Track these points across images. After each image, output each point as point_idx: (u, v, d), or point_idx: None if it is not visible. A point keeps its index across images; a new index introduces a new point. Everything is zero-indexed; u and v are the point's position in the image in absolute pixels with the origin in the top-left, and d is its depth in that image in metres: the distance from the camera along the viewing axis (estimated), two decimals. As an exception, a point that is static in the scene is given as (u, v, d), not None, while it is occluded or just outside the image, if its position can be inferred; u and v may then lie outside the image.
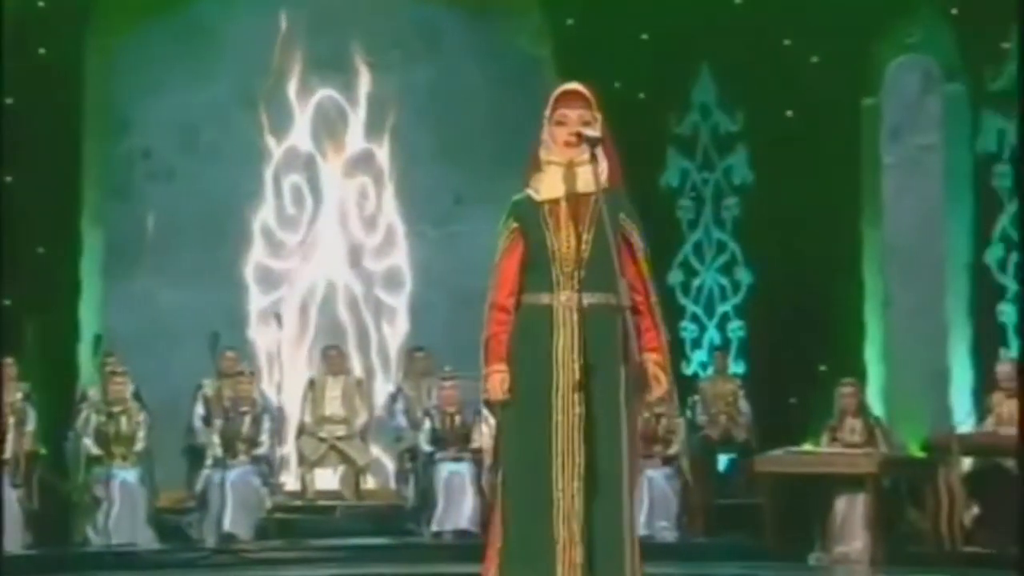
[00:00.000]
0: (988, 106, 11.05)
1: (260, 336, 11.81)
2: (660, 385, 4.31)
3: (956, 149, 11.25)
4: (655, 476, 9.52)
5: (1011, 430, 9.03)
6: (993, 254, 10.94)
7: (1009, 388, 9.19)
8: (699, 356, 11.95)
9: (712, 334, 12.04)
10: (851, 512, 9.04)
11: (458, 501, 9.67)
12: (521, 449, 4.22)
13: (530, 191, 4.44)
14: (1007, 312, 10.84)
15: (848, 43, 11.60)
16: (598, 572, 4.15)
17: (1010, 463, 9.01)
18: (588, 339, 4.23)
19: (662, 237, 12.12)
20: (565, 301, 4.28)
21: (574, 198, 4.34)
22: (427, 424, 10.03)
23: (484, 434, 4.52)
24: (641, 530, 9.43)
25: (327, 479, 10.93)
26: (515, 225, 4.41)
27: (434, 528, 9.72)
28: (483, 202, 11.94)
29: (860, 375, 11.06)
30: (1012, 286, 10.84)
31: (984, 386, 10.65)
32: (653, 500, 9.50)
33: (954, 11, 11.32)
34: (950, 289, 11.18)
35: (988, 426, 9.27)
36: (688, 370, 11.79)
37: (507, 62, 12.01)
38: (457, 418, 9.96)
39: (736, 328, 12.01)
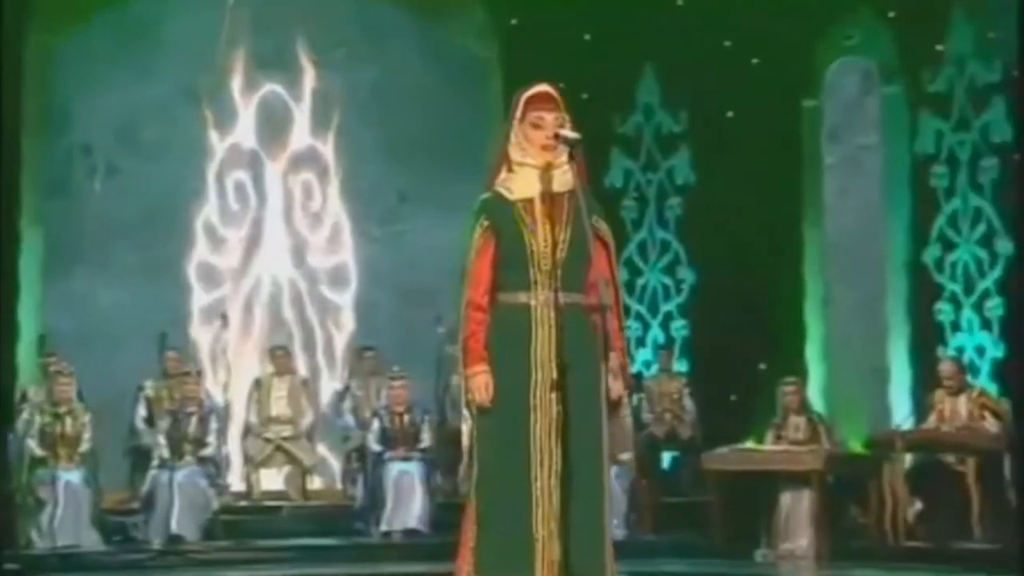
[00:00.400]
0: (925, 107, 11.25)
1: (203, 335, 11.75)
2: (617, 384, 4.35)
3: (894, 150, 11.44)
4: (604, 474, 9.57)
5: (954, 426, 9.20)
6: (931, 254, 11.14)
7: (951, 386, 9.36)
8: (643, 355, 12.06)
9: (656, 333, 12.16)
10: (796, 509, 9.17)
11: (407, 501, 9.69)
12: (499, 448, 4.24)
13: (500, 190, 4.43)
14: (944, 311, 11.04)
15: (788, 45, 11.74)
16: (576, 570, 4.19)
17: (950, 459, 9.20)
18: (565, 338, 4.27)
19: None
20: (543, 300, 4.30)
21: (549, 198, 4.36)
22: (376, 424, 10.03)
23: (464, 433, 4.50)
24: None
25: (273, 479, 10.90)
26: (487, 223, 4.38)
27: (383, 528, 9.73)
28: (428, 201, 12.01)
29: (801, 373, 11.20)
30: (949, 285, 11.04)
31: (922, 384, 10.86)
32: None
33: (891, 14, 11.51)
34: (889, 288, 11.37)
35: (930, 423, 9.43)
36: (631, 369, 11.87)
37: (453, 62, 12.06)
38: (406, 417, 9.97)
39: (679, 327, 12.13)
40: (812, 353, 11.60)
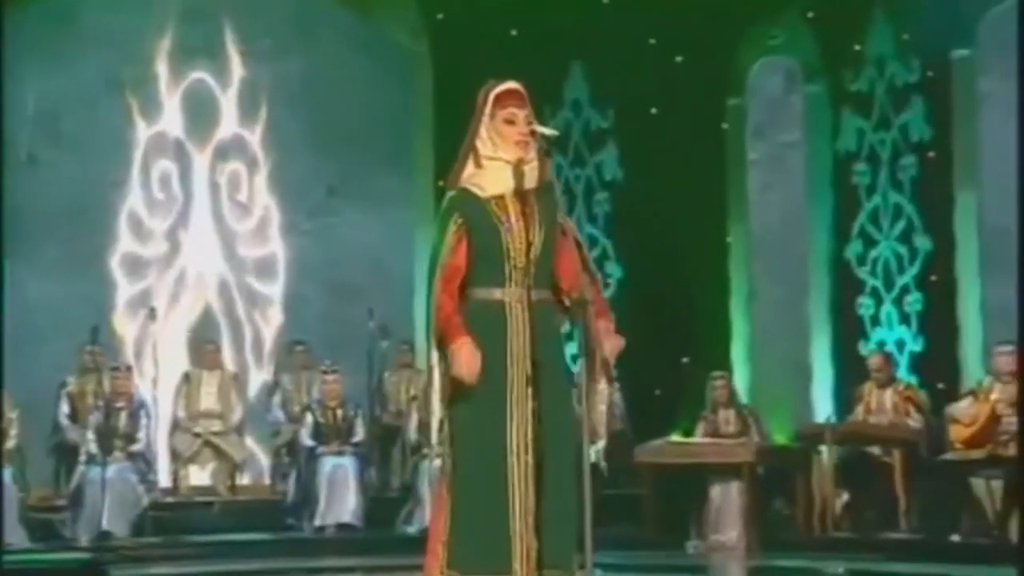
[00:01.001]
0: (847, 106, 11.49)
1: (129, 328, 11.63)
2: (612, 340, 4.45)
3: (817, 148, 11.67)
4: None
5: (880, 419, 9.43)
6: (852, 250, 11.40)
7: (879, 378, 9.58)
8: (570, 349, 12.13)
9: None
10: (726, 500, 9.34)
11: (341, 495, 9.69)
12: (475, 443, 4.26)
13: (470, 187, 4.41)
14: (865, 306, 11.30)
15: (713, 45, 11.93)
16: (551, 562, 4.23)
17: (877, 450, 9.43)
18: (538, 334, 4.32)
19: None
20: (517, 297, 4.34)
21: (521, 195, 4.39)
22: (309, 418, 10.02)
23: (434, 428, 4.48)
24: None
25: (201, 475, 10.83)
26: (461, 220, 4.36)
27: (316, 523, 9.73)
28: (358, 195, 12.03)
29: (726, 368, 11.39)
30: (870, 281, 11.30)
31: (845, 378, 11.11)
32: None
33: (810, 14, 11.74)
34: (812, 283, 11.60)
35: (858, 415, 9.66)
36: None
37: (383, 55, 12.05)
38: (339, 412, 9.98)
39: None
40: (737, 348, 11.80)
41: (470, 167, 4.42)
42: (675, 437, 11.03)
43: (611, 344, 4.35)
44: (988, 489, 8.76)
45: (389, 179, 11.96)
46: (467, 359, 4.22)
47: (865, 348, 11.17)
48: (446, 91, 12.13)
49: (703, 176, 11.84)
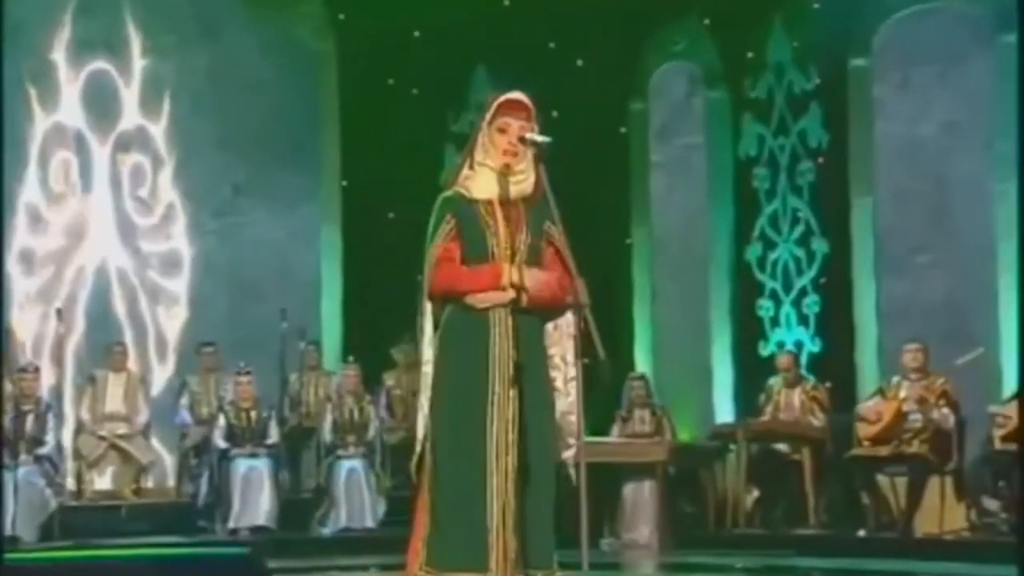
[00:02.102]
0: (748, 112, 11.80)
1: (24, 325, 11.37)
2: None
3: (719, 152, 11.96)
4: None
5: (788, 417, 9.71)
6: (753, 252, 11.71)
7: (787, 378, 9.86)
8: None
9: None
10: (639, 499, 9.53)
11: (255, 497, 9.66)
12: (456, 444, 4.31)
13: (461, 189, 4.47)
14: (765, 307, 11.62)
15: (614, 49, 12.14)
16: (530, 562, 4.32)
17: (786, 448, 9.72)
18: (520, 338, 4.37)
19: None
20: (497, 297, 4.40)
21: (506, 202, 4.46)
22: (222, 420, 9.96)
23: (420, 424, 4.55)
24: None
25: (105, 478, 10.69)
26: (454, 222, 4.43)
27: (230, 525, 9.67)
28: (263, 194, 11.96)
29: (630, 368, 11.65)
30: (770, 283, 11.62)
31: (744, 377, 11.42)
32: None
33: (706, 21, 12.02)
34: (713, 285, 11.88)
35: (766, 414, 9.93)
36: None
37: (288, 54, 11.99)
38: (253, 413, 9.94)
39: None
40: (640, 348, 12.03)
41: (465, 170, 4.51)
42: (584, 437, 11.22)
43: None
44: (892, 485, 9.09)
45: (295, 178, 11.92)
46: (505, 272, 4.34)
47: (765, 349, 11.50)
48: (351, 90, 12.17)
49: (606, 178, 12.05)
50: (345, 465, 9.85)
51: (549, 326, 4.52)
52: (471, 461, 4.31)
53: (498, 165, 4.45)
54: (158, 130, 11.94)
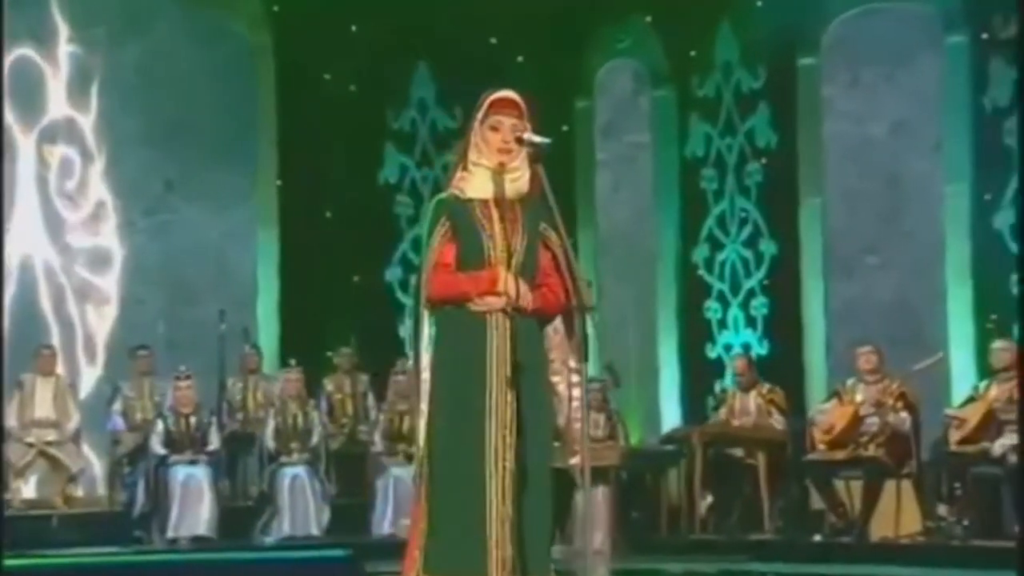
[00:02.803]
0: (695, 112, 11.82)
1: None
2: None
3: (665, 152, 11.96)
4: (401, 474, 9.66)
5: (744, 421, 9.73)
6: (700, 254, 11.73)
7: (742, 381, 9.87)
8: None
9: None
10: (592, 504, 9.48)
11: (195, 506, 9.49)
12: (453, 449, 4.29)
13: (455, 191, 4.46)
14: (713, 309, 11.64)
15: (557, 46, 12.10)
16: (528, 568, 4.30)
17: (741, 452, 9.73)
18: (518, 341, 4.35)
19: (382, 234, 12.31)
20: (496, 302, 4.38)
21: (502, 202, 4.43)
22: (160, 426, 9.77)
23: (421, 430, 4.51)
24: (386, 528, 9.67)
25: (31, 486, 10.42)
26: (448, 224, 4.40)
27: (169, 535, 9.49)
28: (196, 191, 11.75)
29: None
30: (717, 284, 11.65)
31: (692, 380, 11.43)
32: (399, 500, 9.65)
33: (648, 19, 12.02)
34: (660, 286, 11.88)
35: (721, 417, 9.94)
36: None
37: (223, 47, 11.81)
38: (192, 419, 9.77)
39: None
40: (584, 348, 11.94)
41: (460, 172, 4.50)
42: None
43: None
44: (847, 489, 9.13)
45: (230, 175, 11.74)
46: (510, 284, 4.32)
47: (712, 351, 11.53)
48: (289, 85, 12.01)
49: (550, 176, 11.95)
50: (288, 472, 9.72)
51: (549, 329, 4.51)
52: (468, 466, 4.29)
53: (493, 164, 4.44)
54: (87, 123, 11.67)
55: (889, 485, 8.99)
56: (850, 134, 11.09)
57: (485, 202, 4.44)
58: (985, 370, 9.70)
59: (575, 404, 4.49)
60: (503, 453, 4.29)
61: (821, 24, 11.22)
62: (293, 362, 10.30)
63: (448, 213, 4.42)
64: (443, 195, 4.49)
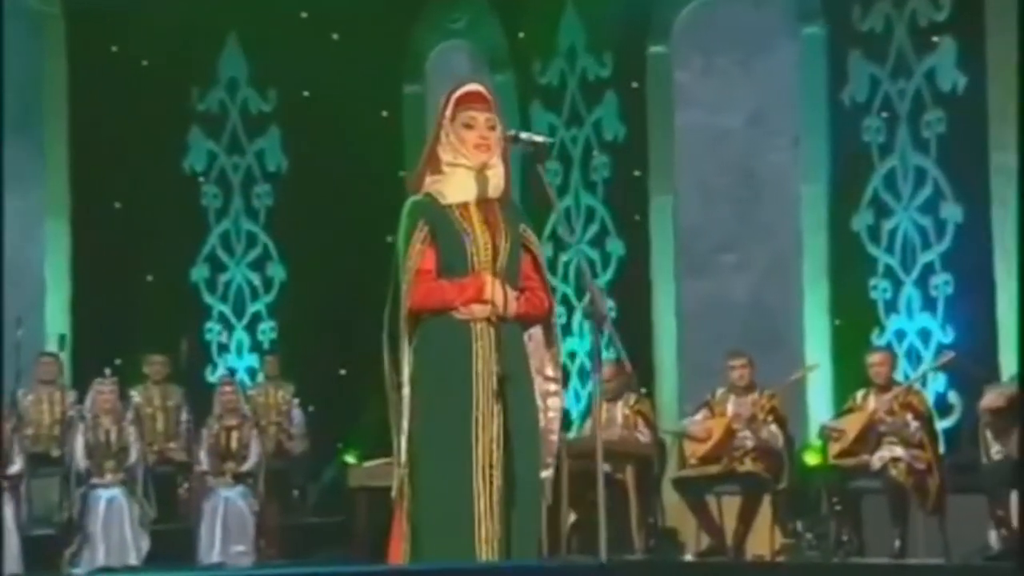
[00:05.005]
0: (537, 99, 11.75)
1: None
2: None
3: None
4: (231, 496, 9.32)
5: (611, 434, 9.66)
6: (545, 252, 11.60)
7: (610, 389, 9.80)
8: (230, 360, 11.76)
9: (241, 336, 11.88)
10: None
11: (118, 530, 9.08)
12: (438, 465, 4.27)
13: (433, 193, 4.45)
14: (557, 313, 11.50)
15: (380, 23, 11.85)
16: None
17: (608, 467, 9.66)
18: (504, 349, 4.37)
19: (186, 227, 11.84)
20: (482, 310, 4.40)
21: (484, 203, 4.45)
22: (79, 438, 9.20)
23: (403, 447, 4.40)
24: (215, 556, 9.29)
25: None
26: (427, 228, 4.39)
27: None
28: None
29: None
30: (562, 287, 11.59)
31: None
32: (228, 524, 9.30)
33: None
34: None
35: (586, 429, 9.87)
36: (213, 376, 11.58)
37: (9, 18, 11.12)
38: (112, 430, 9.24)
39: (267, 329, 11.93)
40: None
41: (429, 173, 4.48)
42: (349, 459, 10.93)
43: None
44: (719, 505, 9.18)
45: (15, 161, 11.06)
46: (496, 291, 4.35)
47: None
48: (80, 59, 11.42)
49: (376, 167, 11.73)
50: (103, 495, 9.24)
51: (524, 336, 4.55)
52: (454, 483, 4.29)
53: (476, 163, 4.46)
54: None
55: (763, 501, 9.08)
56: (704, 125, 11.20)
57: (464, 204, 4.44)
58: (844, 376, 9.95)
59: (551, 415, 4.53)
60: (490, 468, 4.29)
61: (672, 9, 11.32)
62: (108, 371, 9.78)
63: (426, 216, 4.40)
64: (417, 197, 4.46)
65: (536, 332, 4.54)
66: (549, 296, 4.57)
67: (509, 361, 4.37)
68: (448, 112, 4.47)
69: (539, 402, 4.47)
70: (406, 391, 4.31)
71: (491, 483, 4.27)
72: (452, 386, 4.30)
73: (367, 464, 9.53)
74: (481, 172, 4.45)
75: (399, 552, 4.34)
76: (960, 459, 9.08)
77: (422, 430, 4.29)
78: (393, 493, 4.36)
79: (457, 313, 4.34)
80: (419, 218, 4.40)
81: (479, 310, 4.35)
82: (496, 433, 4.30)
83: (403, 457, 4.29)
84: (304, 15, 12.07)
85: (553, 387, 4.52)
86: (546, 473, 4.47)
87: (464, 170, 4.44)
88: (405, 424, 4.29)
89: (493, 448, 4.29)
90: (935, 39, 10.30)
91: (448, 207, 4.42)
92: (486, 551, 4.25)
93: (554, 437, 4.50)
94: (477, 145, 4.43)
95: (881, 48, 10.51)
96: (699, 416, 9.38)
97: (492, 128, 4.45)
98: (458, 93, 4.49)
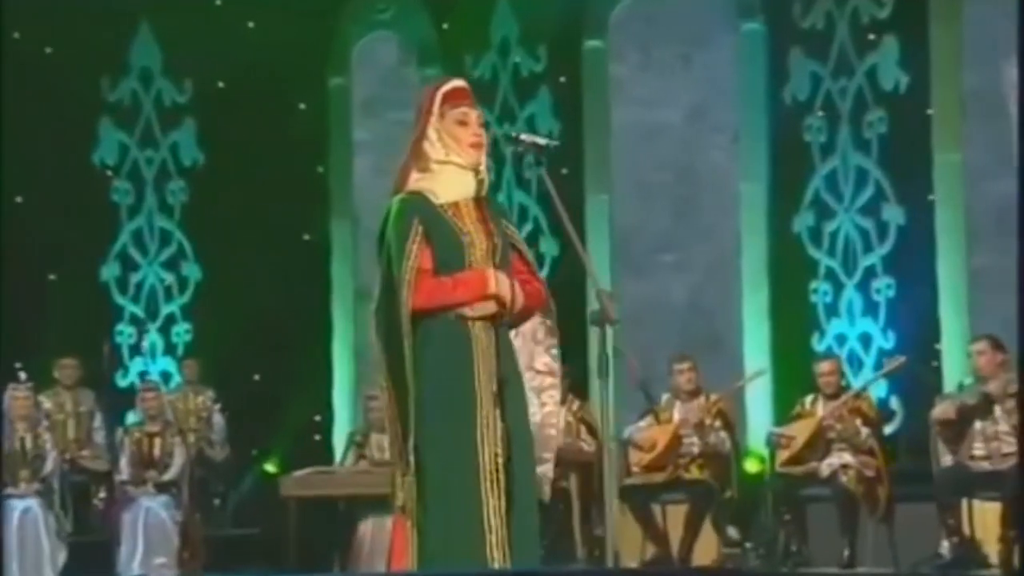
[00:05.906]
0: (470, 94, 11.62)
1: None
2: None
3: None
4: (153, 506, 9.15)
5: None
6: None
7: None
8: (139, 364, 11.55)
9: (155, 338, 11.67)
10: (380, 534, 9.18)
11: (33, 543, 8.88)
12: (445, 470, 4.28)
13: (424, 191, 4.45)
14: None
15: (301, 12, 11.69)
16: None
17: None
18: (502, 350, 4.41)
19: (97, 225, 11.62)
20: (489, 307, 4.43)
21: (476, 202, 4.49)
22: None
23: (409, 449, 4.36)
24: (135, 569, 9.12)
25: None
26: (421, 228, 4.40)
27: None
28: None
29: (317, 388, 11.27)
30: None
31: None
32: (150, 535, 9.12)
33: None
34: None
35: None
36: (125, 381, 11.35)
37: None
38: (27, 438, 9.05)
39: (182, 331, 11.73)
40: (342, 356, 11.60)
41: (416, 172, 4.48)
42: (269, 467, 10.82)
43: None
44: (664, 514, 9.16)
45: None
46: (502, 284, 4.38)
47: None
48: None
49: (296, 160, 11.58)
50: (17, 506, 9.00)
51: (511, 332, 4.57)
52: (463, 488, 4.31)
53: (471, 161, 4.50)
54: None
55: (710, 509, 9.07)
56: (641, 121, 11.20)
57: (455, 204, 4.46)
58: (785, 380, 9.99)
59: (547, 409, 4.55)
60: (496, 475, 4.31)
61: (609, 2, 11.32)
62: (23, 375, 9.53)
63: (419, 215, 4.41)
64: (407, 195, 4.45)
65: (525, 328, 4.56)
66: (543, 283, 4.63)
67: (506, 363, 4.40)
68: (435, 108, 4.47)
69: (533, 397, 4.49)
70: (410, 394, 4.28)
71: (497, 486, 4.29)
72: (454, 390, 4.31)
73: (298, 473, 9.39)
74: (475, 169, 4.49)
75: (403, 560, 4.33)
76: (908, 467, 9.16)
77: (425, 435, 4.28)
78: (399, 502, 4.34)
79: (467, 310, 4.35)
80: (412, 216, 4.40)
81: (487, 306, 4.37)
82: (499, 437, 4.32)
83: (411, 464, 4.28)
84: (218, 2, 11.89)
85: (548, 380, 4.55)
86: (544, 468, 4.48)
87: (455, 168, 4.47)
88: (411, 428, 4.26)
89: (497, 451, 4.31)
90: (877, 37, 10.41)
91: (440, 206, 4.43)
92: (498, 556, 4.30)
93: (553, 431, 4.52)
94: (473, 144, 4.48)
95: (823, 46, 10.59)
96: (643, 423, 9.34)
97: (483, 126, 4.52)
98: (445, 89, 4.51)
